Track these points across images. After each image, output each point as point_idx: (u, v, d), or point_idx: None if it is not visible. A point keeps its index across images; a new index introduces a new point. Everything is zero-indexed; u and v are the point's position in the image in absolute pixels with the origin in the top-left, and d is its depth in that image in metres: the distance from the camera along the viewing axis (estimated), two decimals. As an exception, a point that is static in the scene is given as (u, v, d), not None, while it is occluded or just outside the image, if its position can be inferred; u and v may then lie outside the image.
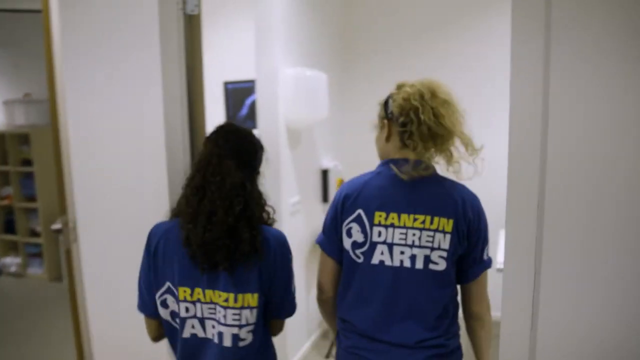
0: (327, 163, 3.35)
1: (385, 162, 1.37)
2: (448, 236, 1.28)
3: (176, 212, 1.30)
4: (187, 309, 1.26)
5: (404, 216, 1.29)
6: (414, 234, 1.28)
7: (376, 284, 1.31)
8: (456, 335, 1.38)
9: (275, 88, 2.61)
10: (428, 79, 1.34)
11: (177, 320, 1.28)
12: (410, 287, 1.30)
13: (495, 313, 1.32)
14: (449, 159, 1.32)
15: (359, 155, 3.97)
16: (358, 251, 1.33)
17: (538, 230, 1.12)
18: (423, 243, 1.28)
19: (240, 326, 1.25)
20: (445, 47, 3.43)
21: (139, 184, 1.71)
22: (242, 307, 1.24)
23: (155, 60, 1.45)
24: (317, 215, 3.32)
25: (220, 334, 1.25)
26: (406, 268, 1.29)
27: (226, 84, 3.63)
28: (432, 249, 1.28)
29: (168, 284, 1.26)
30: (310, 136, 3.14)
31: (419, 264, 1.29)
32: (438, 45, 3.46)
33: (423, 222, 1.28)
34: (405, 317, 1.30)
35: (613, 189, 1.06)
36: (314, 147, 3.22)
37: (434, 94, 1.30)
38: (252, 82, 3.25)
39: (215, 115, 3.81)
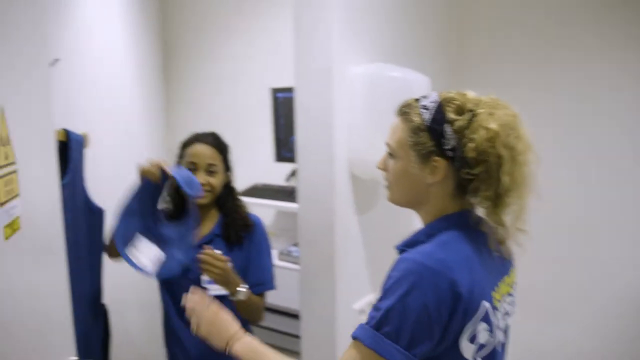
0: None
1: (457, 221, 0.95)
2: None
3: None
4: None
5: (501, 286, 0.98)
6: (507, 302, 1.00)
7: None
8: None
9: (329, 98, 1.38)
10: (501, 102, 0.93)
11: None
12: None
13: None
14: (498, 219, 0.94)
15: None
16: (478, 355, 0.92)
17: None
18: (511, 310, 1.02)
19: None
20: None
21: None
22: None
23: None
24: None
25: None
26: (502, 345, 0.98)
27: (275, 91, 2.42)
28: (510, 314, 1.00)
29: None
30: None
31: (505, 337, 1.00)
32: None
33: (508, 284, 1.01)
34: None
35: None
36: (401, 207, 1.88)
37: (517, 132, 0.90)
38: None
39: (259, 139, 2.61)
